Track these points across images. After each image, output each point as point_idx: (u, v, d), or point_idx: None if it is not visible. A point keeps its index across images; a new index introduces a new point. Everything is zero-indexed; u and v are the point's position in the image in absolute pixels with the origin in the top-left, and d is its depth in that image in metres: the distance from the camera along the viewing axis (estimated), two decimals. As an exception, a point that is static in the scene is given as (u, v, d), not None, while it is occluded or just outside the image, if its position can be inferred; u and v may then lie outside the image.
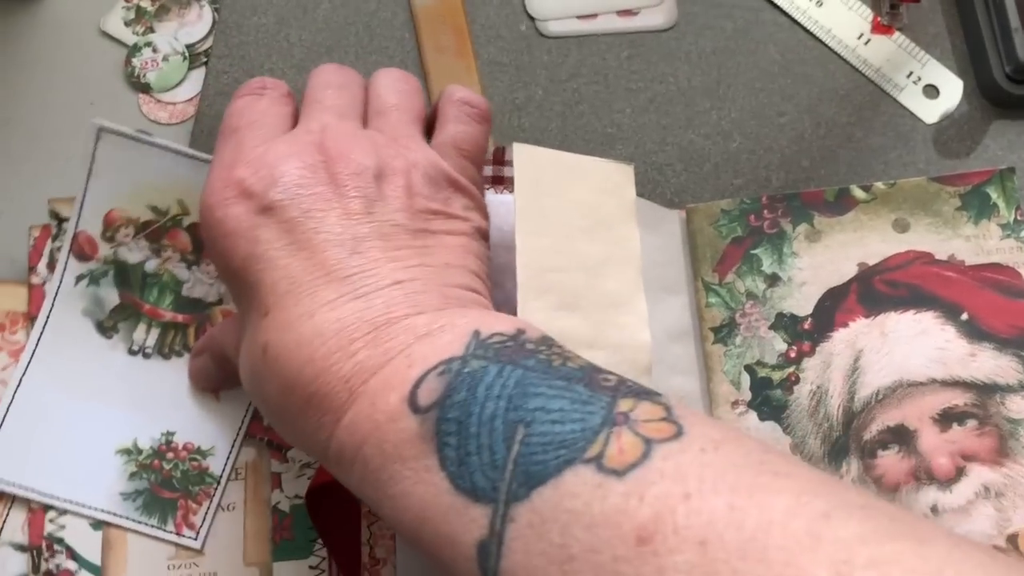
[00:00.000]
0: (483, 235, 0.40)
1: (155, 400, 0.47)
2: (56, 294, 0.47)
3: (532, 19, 0.58)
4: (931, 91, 0.57)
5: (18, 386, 0.46)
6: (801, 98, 0.57)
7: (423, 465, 0.30)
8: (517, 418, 0.29)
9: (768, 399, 0.48)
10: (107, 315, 0.47)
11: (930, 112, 0.57)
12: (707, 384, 0.49)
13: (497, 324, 0.33)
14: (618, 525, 0.26)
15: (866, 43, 0.58)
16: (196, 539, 0.46)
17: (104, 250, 0.47)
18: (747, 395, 0.48)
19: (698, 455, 0.28)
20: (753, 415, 0.48)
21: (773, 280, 0.50)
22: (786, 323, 0.49)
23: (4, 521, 0.46)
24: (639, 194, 0.53)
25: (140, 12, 0.58)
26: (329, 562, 0.45)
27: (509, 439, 0.29)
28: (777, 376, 0.48)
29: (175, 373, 0.47)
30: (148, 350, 0.47)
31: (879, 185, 0.51)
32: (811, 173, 0.55)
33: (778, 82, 0.57)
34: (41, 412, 0.46)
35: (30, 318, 0.48)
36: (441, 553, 0.29)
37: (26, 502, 0.46)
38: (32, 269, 0.49)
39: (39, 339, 0.47)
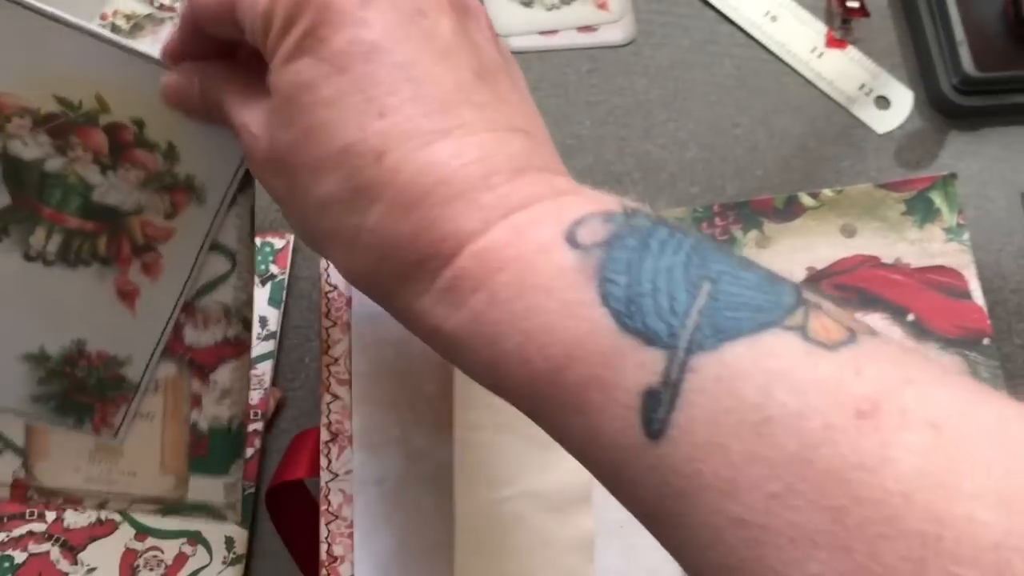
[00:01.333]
0: None
1: (60, 308, 0.43)
2: None
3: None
4: (882, 102, 0.59)
5: None
6: (756, 110, 0.59)
7: (577, 299, 0.26)
8: (701, 274, 0.26)
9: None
10: None
11: (882, 123, 0.59)
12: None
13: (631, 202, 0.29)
14: (832, 394, 0.23)
15: (819, 56, 0.60)
16: (115, 436, 0.45)
17: None
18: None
19: (903, 350, 0.25)
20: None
21: (727, 284, 0.51)
22: (741, 324, 0.50)
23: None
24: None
25: (115, 29, 0.59)
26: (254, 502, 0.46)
27: (692, 290, 0.25)
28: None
29: (84, 281, 0.42)
30: (49, 256, 0.42)
31: (827, 192, 0.53)
32: (765, 182, 0.57)
33: (733, 94, 0.59)
34: None
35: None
36: (585, 398, 0.26)
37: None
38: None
39: None
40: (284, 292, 0.52)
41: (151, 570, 0.47)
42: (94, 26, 0.38)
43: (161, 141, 0.39)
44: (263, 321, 0.51)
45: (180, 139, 0.39)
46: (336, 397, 0.43)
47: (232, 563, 0.47)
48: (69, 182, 0.40)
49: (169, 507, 0.47)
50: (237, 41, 0.33)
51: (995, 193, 0.56)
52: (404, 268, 0.29)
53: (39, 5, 0.37)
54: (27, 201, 0.40)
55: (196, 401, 0.45)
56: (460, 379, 0.42)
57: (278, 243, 0.53)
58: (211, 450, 0.45)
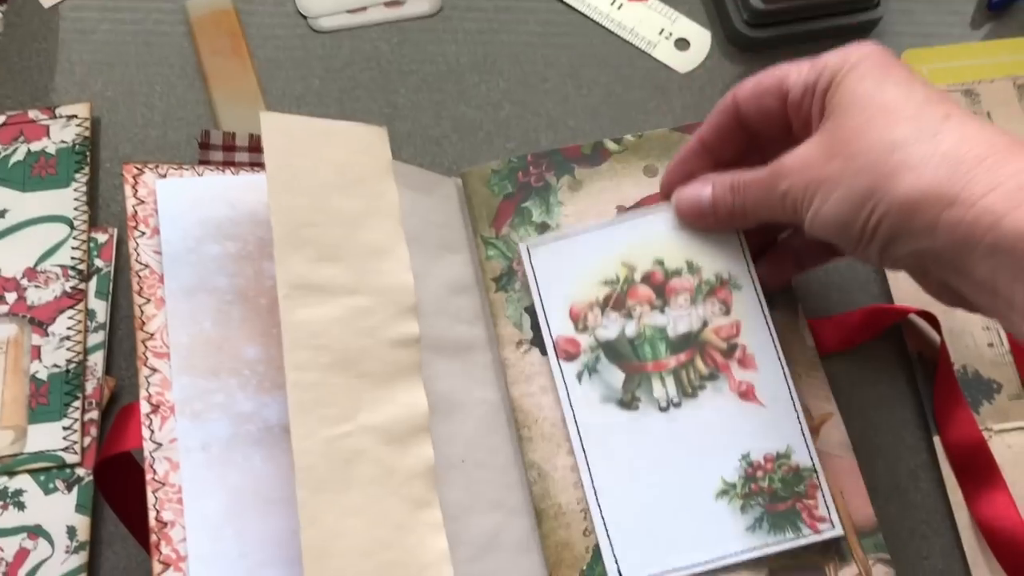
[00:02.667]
0: None
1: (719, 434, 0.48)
2: (570, 401, 0.49)
3: (304, 17, 0.61)
4: (683, 44, 0.62)
5: (595, 491, 0.47)
6: (562, 64, 0.61)
7: None
8: None
9: (549, 335, 0.51)
10: (622, 391, 0.48)
11: (683, 63, 0.61)
12: (493, 329, 0.52)
13: None
14: None
15: (619, 8, 0.62)
16: None
17: (586, 341, 0.49)
18: (529, 334, 0.51)
19: None
20: (536, 351, 0.51)
21: (543, 228, 0.53)
22: (559, 265, 0.53)
23: None
24: (419, 165, 0.56)
25: None
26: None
27: None
28: (555, 314, 0.52)
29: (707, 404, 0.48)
30: (676, 399, 0.48)
31: (628, 137, 0.55)
32: (576, 130, 0.59)
33: (540, 52, 0.61)
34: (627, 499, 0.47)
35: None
36: None
37: None
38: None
39: (581, 440, 0.48)
40: (111, 284, 0.53)
41: (-7, 570, 0.47)
42: (594, 223, 0.52)
43: (681, 264, 0.49)
44: (92, 314, 0.52)
45: (693, 254, 0.49)
46: (154, 370, 0.44)
47: (76, 551, 0.47)
48: (647, 335, 0.49)
49: (5, 466, 0.49)
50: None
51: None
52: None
53: (564, 233, 0.52)
54: (632, 366, 0.49)
55: (36, 353, 0.50)
56: (288, 323, 0.42)
57: (102, 237, 0.54)
58: (50, 395, 0.49)
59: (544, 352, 0.51)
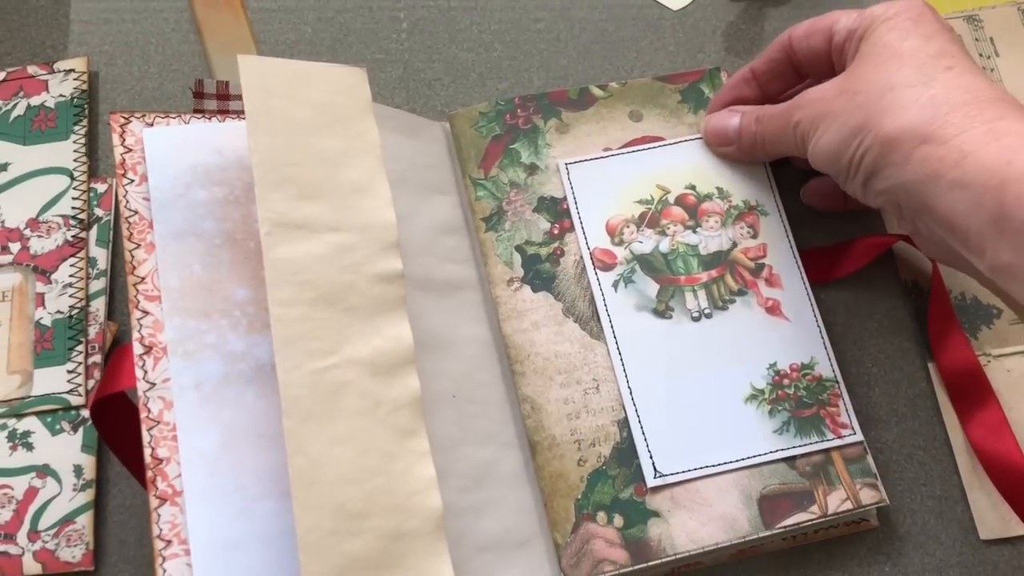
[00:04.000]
0: None
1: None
2: (607, 307, 0.51)
3: (296, -34, 0.61)
4: (675, -19, 0.61)
5: (631, 392, 0.49)
6: (554, 4, 0.61)
7: None
8: None
9: (539, 273, 0.52)
10: (656, 301, 0.51)
11: (675, 0, 0.61)
12: (484, 268, 0.52)
13: None
14: None
15: (610, -54, 0.62)
16: None
17: (621, 253, 0.52)
18: (520, 272, 0.52)
19: None
20: (527, 288, 0.51)
21: (532, 169, 0.54)
22: (547, 205, 0.53)
23: None
24: (411, 109, 0.57)
25: None
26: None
27: None
28: (544, 252, 0.52)
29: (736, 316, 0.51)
30: (707, 311, 0.50)
31: (613, 84, 0.55)
32: (569, 70, 0.59)
33: (532, -8, 0.61)
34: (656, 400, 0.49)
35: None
36: None
37: None
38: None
39: (617, 343, 0.50)
40: (111, 232, 0.54)
41: (2, 507, 0.49)
42: (630, 149, 0.54)
43: (712, 190, 0.52)
44: (93, 261, 0.53)
45: (723, 182, 0.53)
46: (146, 313, 0.45)
47: (83, 488, 0.49)
48: (681, 251, 0.52)
49: (13, 409, 0.50)
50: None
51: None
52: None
53: (602, 154, 0.54)
54: (666, 279, 0.51)
55: (40, 300, 0.52)
56: (271, 260, 0.43)
57: (101, 187, 0.55)
58: (55, 340, 0.51)
59: (535, 290, 0.51)
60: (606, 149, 0.54)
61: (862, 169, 0.43)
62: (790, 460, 0.48)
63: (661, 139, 0.54)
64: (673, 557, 0.46)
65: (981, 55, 0.59)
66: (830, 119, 0.44)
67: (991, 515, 0.50)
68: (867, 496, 0.47)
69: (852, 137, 0.43)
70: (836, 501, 0.47)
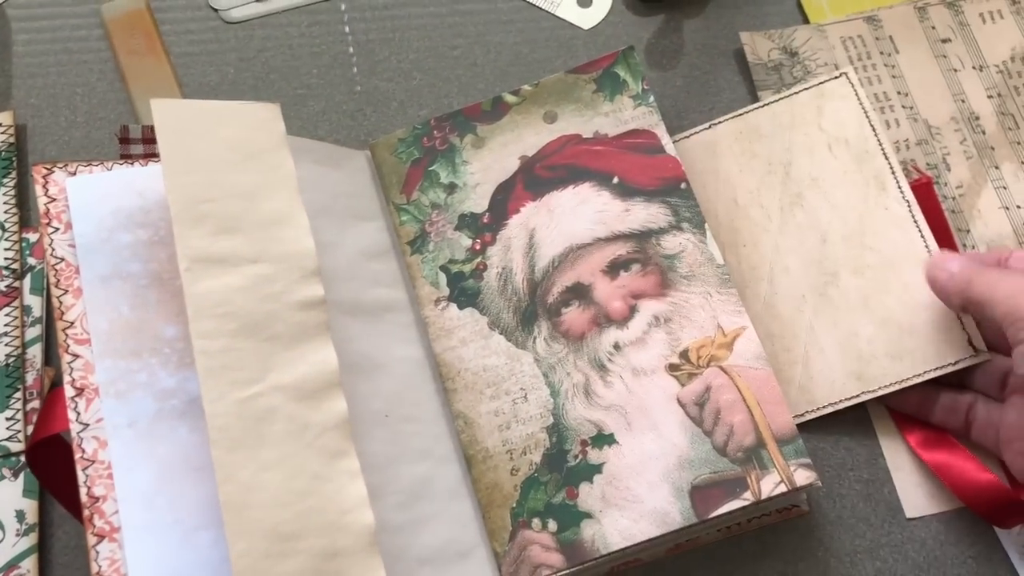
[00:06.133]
0: None
1: None
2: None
3: (216, 10, 0.63)
4: (585, 1, 0.63)
5: None
6: (469, 31, 0.63)
7: None
8: None
9: (464, 290, 0.53)
10: None
11: (586, 19, 0.63)
12: (412, 290, 0.54)
13: None
14: None
15: (520, -29, 0.64)
16: None
17: None
18: (446, 291, 0.53)
19: None
20: (453, 307, 0.53)
21: (451, 188, 0.55)
22: (468, 222, 0.54)
23: None
24: (335, 141, 0.58)
25: None
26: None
27: None
28: (468, 268, 0.54)
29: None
30: None
31: (526, 87, 0.57)
32: (487, 93, 0.61)
33: (447, 21, 0.63)
34: None
35: None
36: None
37: None
38: None
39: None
40: (44, 280, 0.55)
41: (-54, 557, 0.49)
42: None
43: None
44: (28, 309, 0.54)
45: None
46: (76, 356, 0.46)
47: (26, 533, 0.50)
48: None
49: None
50: None
51: (701, 60, 0.61)
52: None
53: None
54: None
55: None
56: (191, 295, 0.44)
57: (32, 237, 0.56)
58: None
59: (461, 307, 0.53)
60: (521, 158, 0.55)
61: None
62: (720, 447, 0.49)
63: (578, 136, 0.55)
64: (607, 555, 0.47)
65: (882, 53, 0.61)
66: None
67: (915, 494, 0.51)
68: (801, 477, 0.47)
69: None
70: (770, 485, 0.47)
